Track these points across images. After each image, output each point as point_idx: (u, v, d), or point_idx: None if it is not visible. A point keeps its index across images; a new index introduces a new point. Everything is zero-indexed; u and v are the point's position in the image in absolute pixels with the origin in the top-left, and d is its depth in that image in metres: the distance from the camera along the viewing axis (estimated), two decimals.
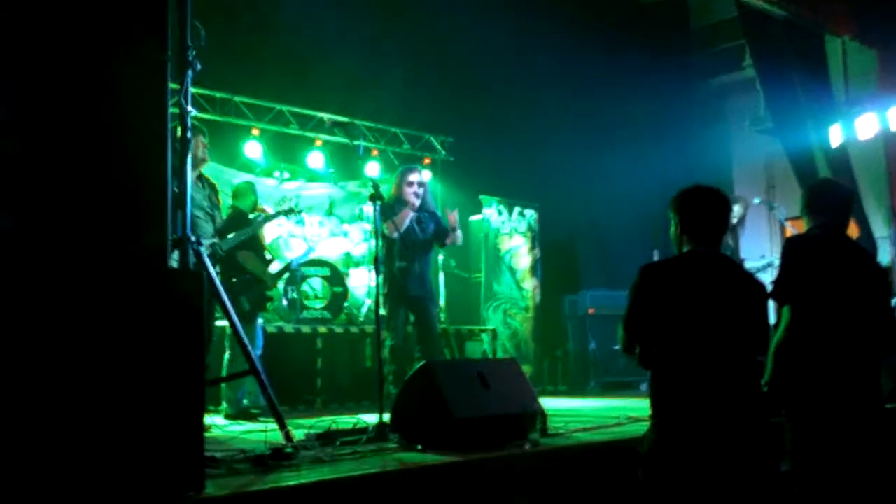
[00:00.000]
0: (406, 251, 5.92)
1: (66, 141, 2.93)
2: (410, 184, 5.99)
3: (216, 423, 5.33)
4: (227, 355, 5.74)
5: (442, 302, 9.13)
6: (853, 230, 6.88)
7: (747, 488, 2.85)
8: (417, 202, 5.98)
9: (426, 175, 6.14)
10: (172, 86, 3.41)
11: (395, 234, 5.83)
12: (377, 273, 4.84)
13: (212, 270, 3.99)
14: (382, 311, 7.36)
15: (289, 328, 7.02)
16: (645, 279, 2.98)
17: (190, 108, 3.93)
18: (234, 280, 5.76)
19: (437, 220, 6.19)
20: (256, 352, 5.80)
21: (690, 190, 3.07)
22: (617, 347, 3.20)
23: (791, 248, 3.34)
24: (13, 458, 2.49)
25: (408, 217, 5.91)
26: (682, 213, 3.04)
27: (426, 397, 3.95)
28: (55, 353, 2.62)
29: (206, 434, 4.17)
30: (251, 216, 6.12)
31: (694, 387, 2.88)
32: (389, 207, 5.76)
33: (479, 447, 3.72)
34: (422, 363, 4.13)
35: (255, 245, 6.04)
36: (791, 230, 7.11)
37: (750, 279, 3.05)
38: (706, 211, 3.01)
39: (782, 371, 3.22)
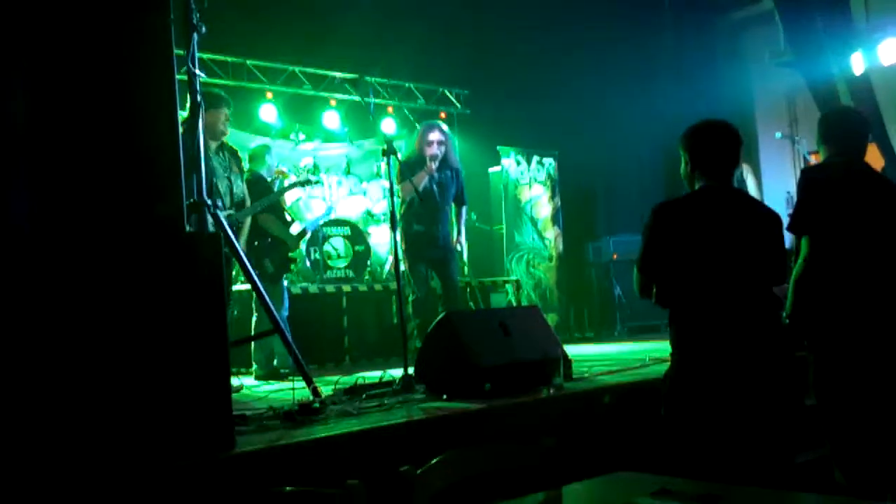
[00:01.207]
0: (423, 214, 5.81)
1: (73, 111, 2.95)
2: (430, 143, 5.82)
3: (246, 384, 5.43)
4: (255, 317, 5.82)
5: (465, 256, 9.15)
6: (877, 158, 6.76)
7: (769, 421, 2.86)
8: (436, 164, 5.81)
9: (442, 137, 5.92)
10: (178, 51, 3.41)
11: (411, 196, 5.71)
12: (393, 230, 4.86)
13: (230, 232, 4.02)
14: (403, 268, 7.41)
15: (313, 288, 7.09)
16: (658, 218, 2.96)
17: (198, 71, 3.92)
18: (255, 243, 5.82)
19: (458, 179, 6.05)
20: (283, 313, 5.88)
21: (699, 126, 3.03)
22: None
23: (807, 178, 3.30)
24: (48, 419, 2.57)
25: (424, 179, 5.77)
26: (692, 150, 3.01)
27: (448, 348, 3.99)
28: (82, 321, 2.68)
29: (236, 394, 4.27)
30: (269, 179, 6.14)
31: (713, 322, 2.88)
32: (408, 166, 5.60)
33: (503, 394, 3.76)
34: (442, 315, 4.16)
35: (275, 208, 6.07)
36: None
37: (764, 210, 3.03)
38: (716, 146, 2.98)
39: (803, 303, 3.19)
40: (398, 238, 4.85)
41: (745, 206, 2.99)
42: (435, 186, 5.88)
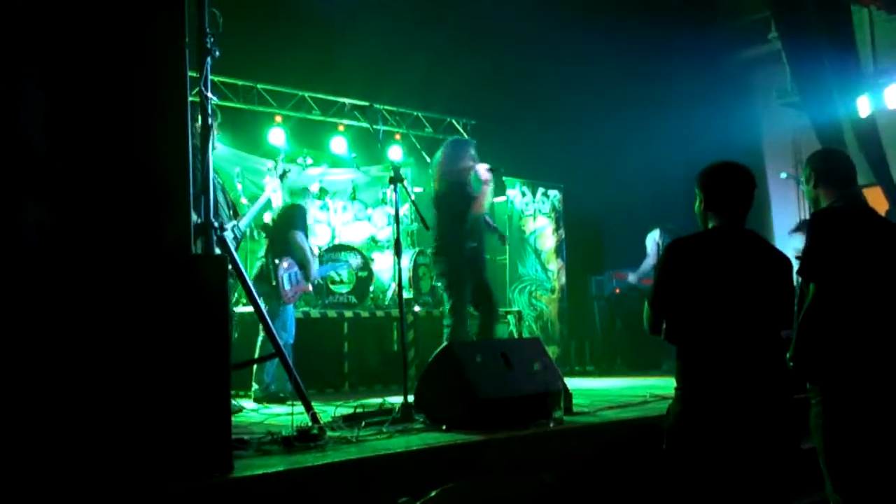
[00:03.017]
0: (476, 232, 5.82)
1: (88, 132, 2.98)
2: (473, 156, 5.86)
3: (245, 406, 5.41)
4: (259, 338, 5.82)
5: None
6: (882, 202, 6.77)
7: (769, 463, 2.86)
8: (490, 175, 5.81)
9: (484, 167, 5.98)
10: (191, 74, 3.44)
11: (481, 212, 5.77)
12: (398, 257, 4.86)
13: (235, 255, 4.03)
14: (407, 294, 7.41)
15: (315, 313, 7.08)
16: (671, 255, 3.00)
17: (210, 94, 3.96)
18: (276, 261, 5.99)
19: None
20: (289, 338, 5.90)
21: (716, 166, 3.08)
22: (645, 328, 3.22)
23: (818, 223, 3.29)
24: (47, 435, 2.56)
25: (489, 193, 5.82)
26: (707, 189, 3.05)
27: (449, 378, 3.98)
28: (84, 337, 2.68)
29: (236, 417, 4.26)
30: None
31: (719, 361, 2.89)
32: (460, 188, 5.67)
33: (503, 426, 3.74)
34: (444, 345, 4.15)
35: (306, 232, 6.40)
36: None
37: (776, 254, 3.05)
38: (731, 186, 3.02)
39: (808, 346, 3.18)
40: (401, 265, 4.87)
41: (756, 248, 3.01)
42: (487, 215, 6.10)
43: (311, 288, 6.38)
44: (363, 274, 7.51)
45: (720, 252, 2.97)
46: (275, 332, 4.06)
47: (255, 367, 5.78)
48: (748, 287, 2.93)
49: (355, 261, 7.44)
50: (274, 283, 5.97)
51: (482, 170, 5.78)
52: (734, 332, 2.90)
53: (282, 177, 6.46)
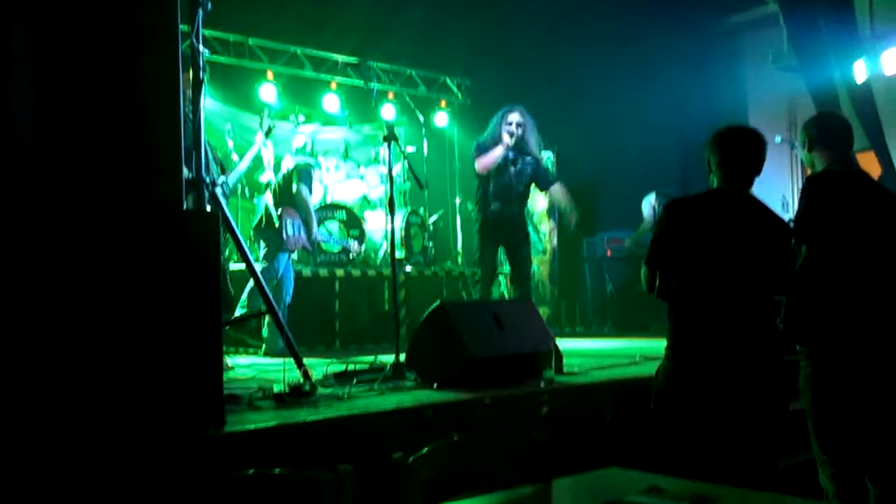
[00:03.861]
0: (499, 193, 5.80)
1: (71, 85, 2.92)
2: (509, 123, 5.82)
3: (238, 363, 5.42)
4: (246, 291, 5.85)
5: (458, 245, 9.13)
6: (875, 167, 6.76)
7: (756, 423, 2.89)
8: (511, 141, 5.76)
9: (520, 119, 5.89)
10: (183, 27, 3.38)
11: (485, 173, 5.76)
12: (391, 216, 4.84)
13: (227, 211, 4.00)
14: (399, 254, 7.41)
15: (307, 271, 7.07)
16: (668, 214, 3.05)
17: (202, 47, 3.89)
18: (279, 210, 6.06)
19: (537, 165, 6.00)
20: (286, 297, 5.93)
21: (725, 130, 3.11)
22: (639, 288, 3.26)
23: (813, 186, 3.29)
24: (40, 394, 2.56)
25: (497, 156, 5.74)
26: (715, 153, 3.08)
27: (442, 337, 3.99)
28: (73, 296, 2.66)
29: (227, 374, 4.27)
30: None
31: (710, 321, 2.92)
32: (483, 147, 5.74)
33: (493, 385, 3.77)
34: (436, 304, 4.15)
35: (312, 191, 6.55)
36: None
37: (774, 219, 3.07)
38: (737, 150, 3.05)
39: (799, 308, 3.20)
40: (394, 224, 4.87)
41: (754, 212, 3.03)
42: (511, 167, 5.83)
43: (309, 246, 6.38)
44: (355, 233, 7.49)
45: (718, 213, 3.00)
46: (267, 289, 4.04)
47: (266, 321, 5.87)
48: (743, 249, 2.95)
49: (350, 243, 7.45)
50: (277, 226, 6.06)
51: (505, 132, 5.78)
52: (726, 293, 2.93)
53: (267, 133, 6.35)
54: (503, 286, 8.45)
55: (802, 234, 3.21)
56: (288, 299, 6.05)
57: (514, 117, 5.85)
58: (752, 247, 2.97)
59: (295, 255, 6.77)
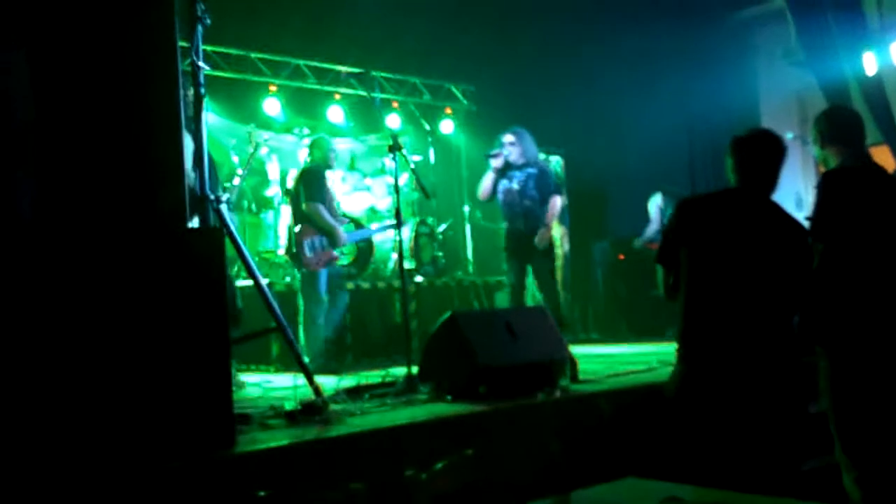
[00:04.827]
0: (507, 213, 6.19)
1: (76, 101, 2.90)
2: (502, 145, 6.19)
3: (248, 381, 5.37)
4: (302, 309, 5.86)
5: (469, 254, 9.07)
6: (890, 161, 6.67)
7: (774, 425, 2.84)
8: (499, 162, 6.11)
9: (511, 138, 6.24)
10: (183, 44, 3.35)
11: (486, 199, 6.25)
12: (398, 227, 4.80)
13: (233, 228, 3.96)
14: (409, 265, 7.36)
15: None
16: (679, 213, 3.05)
17: (202, 63, 3.86)
18: (297, 228, 5.92)
19: (541, 174, 6.22)
20: (336, 317, 5.99)
21: (743, 134, 3.11)
22: (655, 292, 3.25)
23: (829, 182, 3.23)
24: (43, 412, 2.51)
25: (489, 182, 6.17)
26: (733, 156, 3.08)
27: (454, 348, 3.93)
28: (79, 312, 2.62)
29: (237, 392, 4.22)
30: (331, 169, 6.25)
31: (722, 322, 2.90)
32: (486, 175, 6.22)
33: (508, 395, 3.70)
34: (447, 314, 4.09)
35: (326, 198, 6.16)
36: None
37: (790, 220, 3.03)
38: (752, 153, 3.04)
39: (815, 308, 3.14)
40: (402, 236, 4.85)
41: (768, 212, 3.00)
42: (515, 185, 6.14)
43: (336, 255, 6.18)
44: (363, 245, 7.44)
45: (730, 212, 2.98)
46: (274, 304, 3.99)
47: (302, 337, 5.80)
48: (756, 249, 2.91)
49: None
50: (294, 251, 5.93)
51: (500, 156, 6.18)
52: (738, 294, 2.89)
53: (254, 149, 6.41)
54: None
55: (819, 231, 3.15)
56: (337, 318, 6.06)
57: (506, 139, 6.19)
58: (765, 247, 2.93)
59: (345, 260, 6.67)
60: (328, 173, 6.41)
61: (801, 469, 3.14)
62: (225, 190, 5.27)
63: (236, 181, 5.71)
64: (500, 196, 6.17)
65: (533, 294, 8.71)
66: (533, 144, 6.30)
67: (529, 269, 6.24)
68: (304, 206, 6.01)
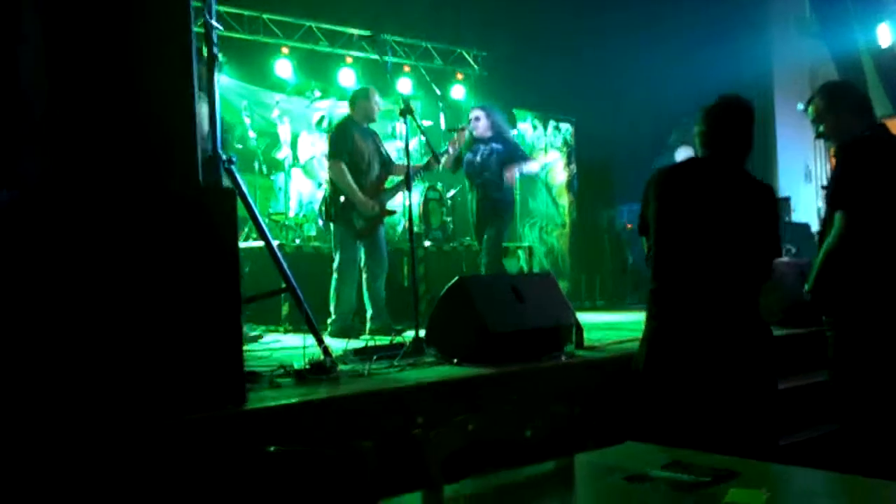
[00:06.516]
0: (469, 183, 6.49)
1: (86, 63, 2.91)
2: (469, 120, 6.46)
3: (260, 339, 5.44)
4: (335, 278, 5.76)
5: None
6: None
7: (742, 396, 2.84)
8: (462, 137, 6.31)
9: (477, 113, 6.48)
10: (196, 3, 3.35)
11: (450, 169, 6.46)
12: (408, 190, 4.81)
13: (244, 188, 3.99)
14: (417, 229, 7.39)
15: (325, 247, 7.06)
16: (653, 182, 3.05)
17: (215, 23, 3.86)
18: (342, 199, 5.66)
19: (506, 146, 6.38)
20: (381, 273, 5.83)
21: (712, 103, 3.07)
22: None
23: (849, 152, 3.20)
24: (57, 370, 2.57)
25: (449, 155, 6.33)
26: (701, 124, 3.06)
27: (461, 312, 3.97)
28: (90, 272, 2.66)
29: (249, 351, 4.28)
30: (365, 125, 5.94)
31: (690, 291, 2.90)
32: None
33: (513, 360, 3.75)
34: (455, 279, 4.13)
35: (354, 153, 5.76)
36: None
37: (758, 185, 3.03)
38: (719, 120, 3.01)
39: (830, 278, 3.14)
40: (412, 199, 4.87)
41: (736, 179, 2.99)
42: (477, 158, 6.36)
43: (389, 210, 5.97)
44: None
45: (699, 180, 2.97)
46: (284, 264, 4.03)
47: (332, 297, 5.70)
48: (725, 217, 2.90)
49: None
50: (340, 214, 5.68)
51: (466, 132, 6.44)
52: (707, 261, 2.89)
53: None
54: (522, 260, 8.42)
55: (838, 200, 3.13)
56: (382, 272, 5.87)
57: (472, 114, 6.46)
58: (735, 213, 2.92)
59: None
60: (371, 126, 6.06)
61: (777, 444, 3.15)
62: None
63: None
64: (464, 168, 6.42)
65: (540, 260, 8.77)
66: (502, 121, 6.54)
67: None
68: (330, 168, 5.74)
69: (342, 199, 5.64)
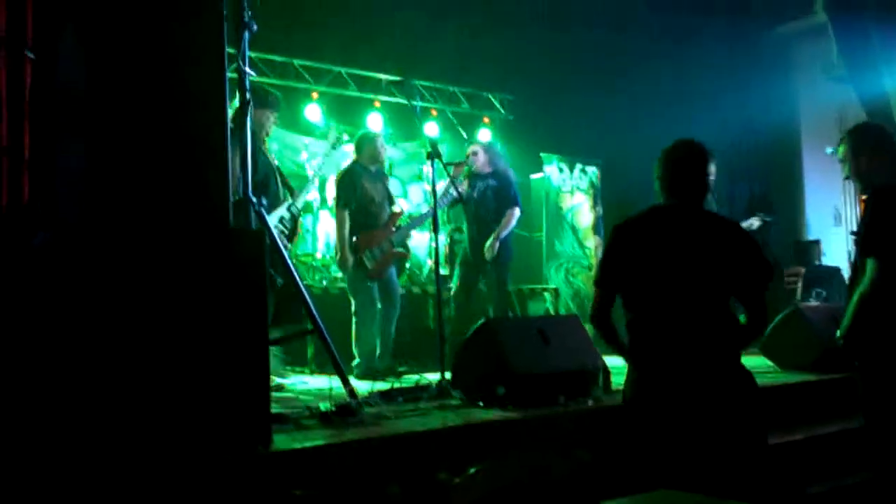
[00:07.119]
0: (464, 219, 6.49)
1: (126, 103, 2.99)
2: (467, 156, 6.51)
3: (286, 382, 5.45)
4: (354, 321, 5.80)
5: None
6: None
7: (725, 435, 2.81)
8: (461, 171, 6.33)
9: (475, 148, 6.56)
10: (230, 50, 3.44)
11: (441, 206, 6.22)
12: (436, 233, 4.84)
13: (273, 230, 4.04)
14: (443, 271, 7.42)
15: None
16: (613, 235, 3.08)
17: (248, 69, 3.96)
18: (354, 238, 5.76)
19: (496, 187, 6.35)
20: (393, 311, 5.93)
21: (670, 146, 3.10)
22: None
23: (881, 198, 3.18)
24: (82, 405, 2.59)
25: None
26: (660, 169, 3.10)
27: (487, 354, 3.96)
28: (120, 310, 2.69)
29: (276, 393, 4.29)
30: (373, 169, 6.00)
31: (664, 335, 2.89)
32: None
33: (539, 403, 3.72)
34: (482, 321, 4.13)
35: (356, 201, 5.87)
36: None
37: (729, 225, 3.04)
38: (678, 165, 3.04)
39: (863, 324, 3.10)
40: (439, 242, 4.90)
41: (703, 220, 3.00)
42: (474, 194, 6.39)
43: (399, 252, 6.05)
44: (399, 250, 7.49)
45: (660, 228, 2.98)
46: (312, 306, 4.06)
47: (354, 338, 5.75)
48: (694, 257, 2.90)
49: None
50: (354, 261, 5.76)
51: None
52: (676, 306, 2.89)
53: (334, 145, 6.04)
54: (548, 302, 8.40)
55: (869, 246, 3.11)
56: (396, 311, 5.99)
57: (470, 149, 6.50)
58: (705, 253, 2.91)
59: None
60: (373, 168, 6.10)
61: (805, 492, 3.12)
62: (292, 195, 5.28)
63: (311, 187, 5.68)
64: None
65: (566, 302, 8.73)
66: (500, 158, 6.54)
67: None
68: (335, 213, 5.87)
69: (354, 239, 5.76)
